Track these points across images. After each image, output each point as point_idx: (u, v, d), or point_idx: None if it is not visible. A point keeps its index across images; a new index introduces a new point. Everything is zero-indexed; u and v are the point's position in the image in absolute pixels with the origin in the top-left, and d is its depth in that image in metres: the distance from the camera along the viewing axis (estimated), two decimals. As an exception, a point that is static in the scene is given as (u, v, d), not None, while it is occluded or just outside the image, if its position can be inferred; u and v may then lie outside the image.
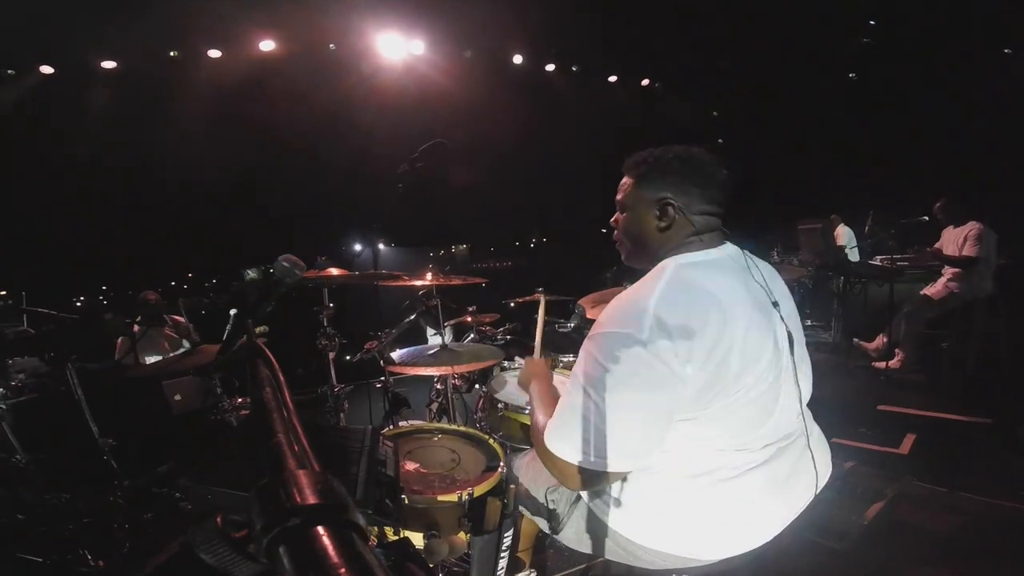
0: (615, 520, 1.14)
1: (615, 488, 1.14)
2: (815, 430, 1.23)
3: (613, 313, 1.03)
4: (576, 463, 1.00)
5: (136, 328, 3.45)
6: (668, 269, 1.06)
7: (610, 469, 0.98)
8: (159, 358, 3.49)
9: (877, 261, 4.92)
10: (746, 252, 1.17)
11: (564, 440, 1.02)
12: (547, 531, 1.31)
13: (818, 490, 1.18)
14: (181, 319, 3.76)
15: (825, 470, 1.21)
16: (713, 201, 1.12)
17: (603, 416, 0.97)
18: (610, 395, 0.97)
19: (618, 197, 1.21)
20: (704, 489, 1.06)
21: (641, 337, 0.96)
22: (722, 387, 0.99)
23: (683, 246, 1.11)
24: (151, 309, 3.64)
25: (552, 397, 1.22)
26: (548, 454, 1.05)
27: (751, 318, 1.03)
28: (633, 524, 1.12)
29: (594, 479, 1.02)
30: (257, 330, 0.83)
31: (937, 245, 4.21)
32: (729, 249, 1.14)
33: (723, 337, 0.98)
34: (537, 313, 1.70)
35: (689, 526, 1.08)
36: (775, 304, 1.11)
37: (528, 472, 1.41)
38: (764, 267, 1.18)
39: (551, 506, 1.29)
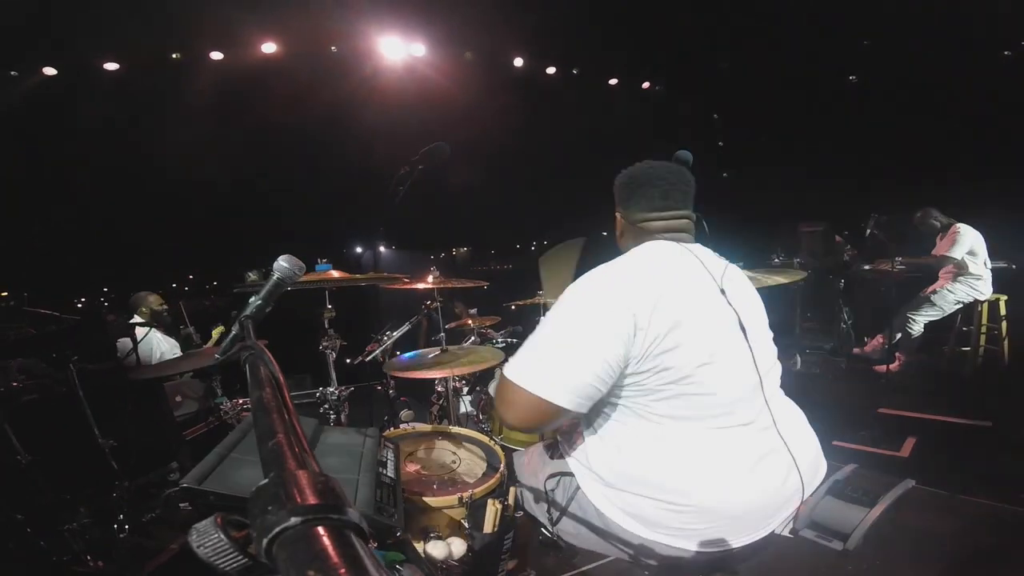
0: (611, 510, 1.16)
1: (608, 476, 1.16)
2: (796, 427, 1.24)
3: (585, 275, 1.18)
4: (522, 386, 1.07)
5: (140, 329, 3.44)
6: (633, 250, 1.24)
7: (550, 398, 1.05)
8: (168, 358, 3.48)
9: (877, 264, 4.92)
10: (702, 250, 1.27)
11: (518, 365, 1.11)
12: (545, 523, 1.32)
13: (805, 489, 1.18)
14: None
15: (811, 467, 1.21)
16: (662, 209, 1.25)
17: (554, 348, 1.09)
18: (565, 332, 1.10)
19: None
20: (684, 471, 1.09)
21: (602, 288, 1.11)
22: (673, 352, 1.06)
23: (640, 246, 1.26)
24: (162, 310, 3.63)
25: None
26: (502, 380, 1.14)
27: (698, 297, 1.15)
28: (626, 513, 1.14)
29: (536, 411, 1.07)
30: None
31: (934, 251, 4.22)
32: (680, 247, 1.25)
33: (674, 307, 1.08)
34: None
35: (678, 515, 1.09)
36: (722, 291, 1.20)
37: (528, 469, 1.43)
38: (721, 263, 1.28)
39: (549, 498, 1.31)
